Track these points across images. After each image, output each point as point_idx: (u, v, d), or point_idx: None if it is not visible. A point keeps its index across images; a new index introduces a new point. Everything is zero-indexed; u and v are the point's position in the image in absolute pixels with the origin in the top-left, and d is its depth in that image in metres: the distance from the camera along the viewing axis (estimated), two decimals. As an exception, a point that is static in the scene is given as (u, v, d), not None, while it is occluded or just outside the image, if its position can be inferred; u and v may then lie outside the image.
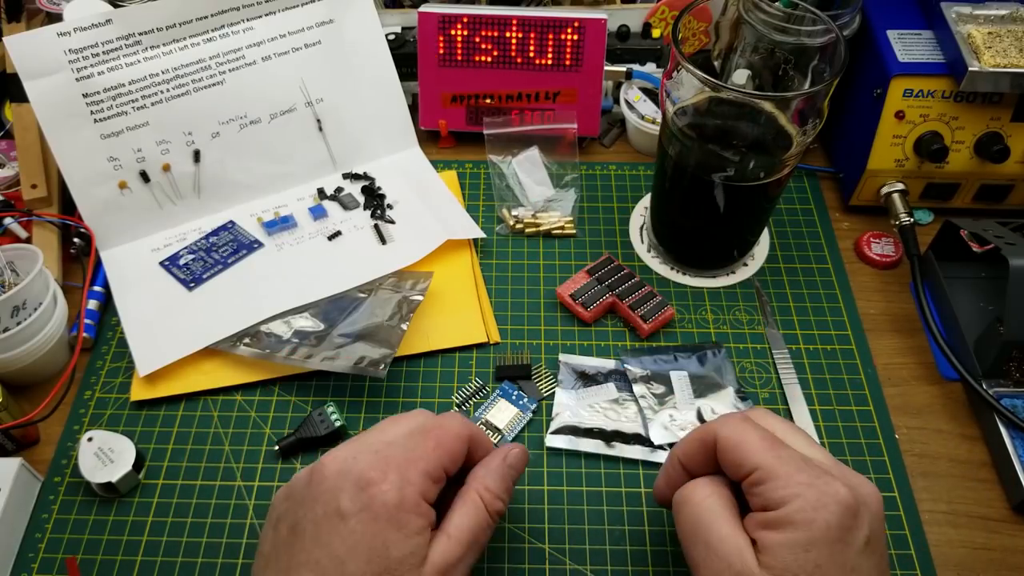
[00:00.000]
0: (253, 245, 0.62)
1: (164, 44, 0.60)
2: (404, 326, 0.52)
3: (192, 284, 0.59)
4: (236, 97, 0.63)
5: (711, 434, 0.40)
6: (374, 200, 0.64)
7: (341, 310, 0.56)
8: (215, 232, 0.62)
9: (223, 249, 0.61)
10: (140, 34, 0.59)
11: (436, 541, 0.38)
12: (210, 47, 0.61)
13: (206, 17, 0.61)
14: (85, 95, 0.59)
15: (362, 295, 0.57)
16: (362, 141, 0.67)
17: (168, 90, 0.61)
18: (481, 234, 0.62)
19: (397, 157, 0.68)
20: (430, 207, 0.64)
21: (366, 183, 0.66)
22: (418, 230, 0.62)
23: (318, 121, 0.66)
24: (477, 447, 0.42)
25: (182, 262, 0.60)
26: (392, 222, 0.63)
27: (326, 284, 0.58)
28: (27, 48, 0.57)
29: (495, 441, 0.51)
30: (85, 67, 0.58)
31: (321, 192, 0.65)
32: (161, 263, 0.61)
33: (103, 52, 0.58)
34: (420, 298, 0.55)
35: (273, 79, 0.64)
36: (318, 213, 0.64)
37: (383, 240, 0.62)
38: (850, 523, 0.36)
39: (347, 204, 0.64)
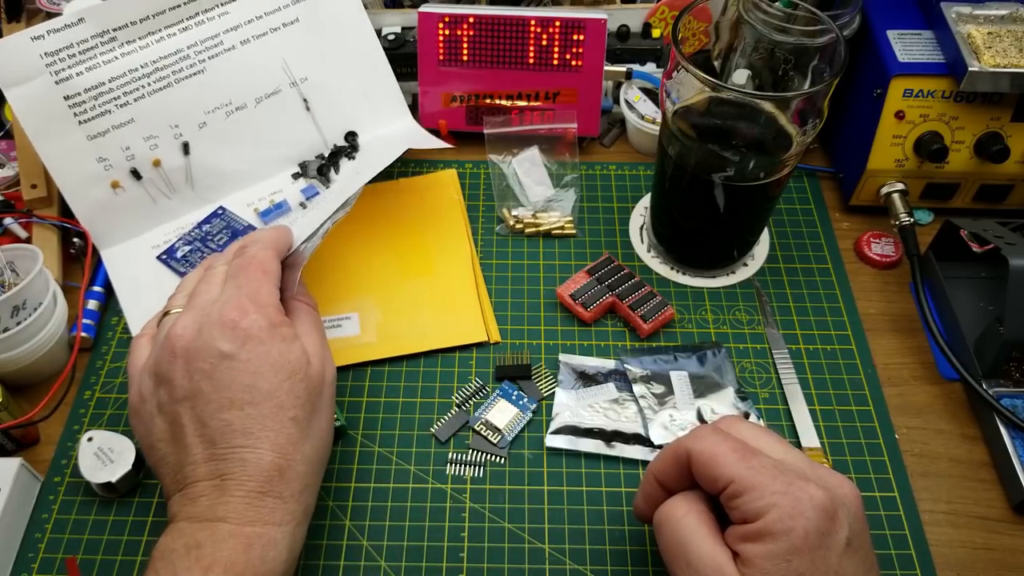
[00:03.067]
0: (247, 229, 0.62)
1: (140, 38, 0.59)
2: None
3: (192, 278, 0.59)
4: (219, 85, 0.62)
5: (684, 450, 0.39)
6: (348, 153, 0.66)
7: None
8: (207, 220, 0.62)
9: (218, 237, 0.61)
10: (114, 30, 0.58)
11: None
12: (186, 36, 0.60)
13: (179, 6, 0.60)
14: (66, 97, 0.58)
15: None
16: (351, 116, 0.67)
17: (149, 84, 0.60)
18: (440, 144, 0.63)
19: (390, 130, 0.67)
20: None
21: (349, 147, 0.66)
22: (380, 151, 0.63)
23: (304, 101, 0.65)
24: (284, 249, 0.49)
25: (179, 254, 0.60)
26: (353, 158, 0.65)
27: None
28: (1, 56, 0.55)
29: (495, 442, 0.52)
30: (63, 69, 0.57)
31: (303, 167, 0.66)
32: (159, 257, 0.60)
33: (79, 52, 0.57)
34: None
35: (254, 63, 0.63)
36: (310, 193, 0.64)
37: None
38: (828, 527, 0.36)
39: (328, 176, 0.65)
